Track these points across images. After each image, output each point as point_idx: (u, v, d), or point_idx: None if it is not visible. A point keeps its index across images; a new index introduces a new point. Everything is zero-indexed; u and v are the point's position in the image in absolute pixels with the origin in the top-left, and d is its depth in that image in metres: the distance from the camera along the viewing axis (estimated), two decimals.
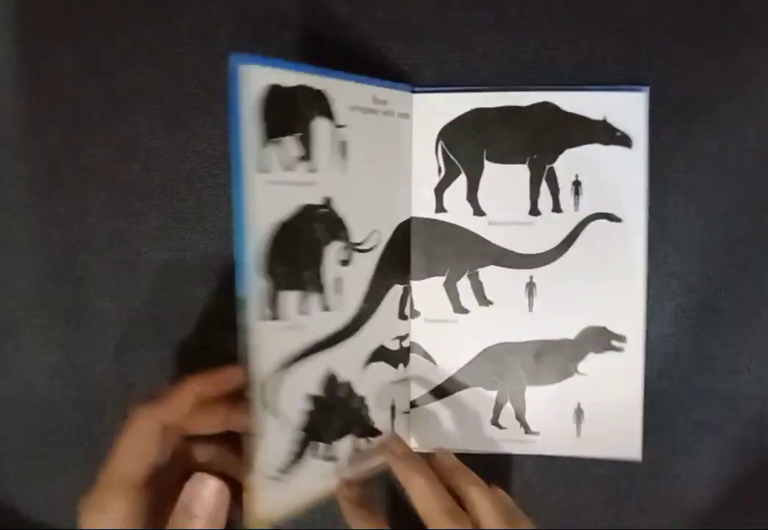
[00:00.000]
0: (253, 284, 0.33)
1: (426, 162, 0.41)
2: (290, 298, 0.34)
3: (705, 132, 0.41)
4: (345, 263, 0.37)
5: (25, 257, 0.42)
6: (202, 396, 0.32)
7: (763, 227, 0.42)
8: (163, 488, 0.32)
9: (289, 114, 0.34)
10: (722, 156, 0.41)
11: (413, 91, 0.41)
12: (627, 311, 0.41)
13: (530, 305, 0.41)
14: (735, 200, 0.41)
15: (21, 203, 0.42)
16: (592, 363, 0.41)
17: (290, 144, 0.34)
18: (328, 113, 0.35)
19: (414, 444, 0.41)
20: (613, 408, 0.41)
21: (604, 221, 0.41)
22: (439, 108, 0.41)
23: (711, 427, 0.42)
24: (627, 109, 0.40)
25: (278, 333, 0.34)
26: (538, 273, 0.41)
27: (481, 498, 0.33)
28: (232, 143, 0.32)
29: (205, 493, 0.32)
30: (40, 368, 0.43)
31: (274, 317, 0.34)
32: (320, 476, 0.36)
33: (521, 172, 0.41)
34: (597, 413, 0.41)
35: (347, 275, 0.37)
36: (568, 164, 0.41)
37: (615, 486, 0.42)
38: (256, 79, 0.32)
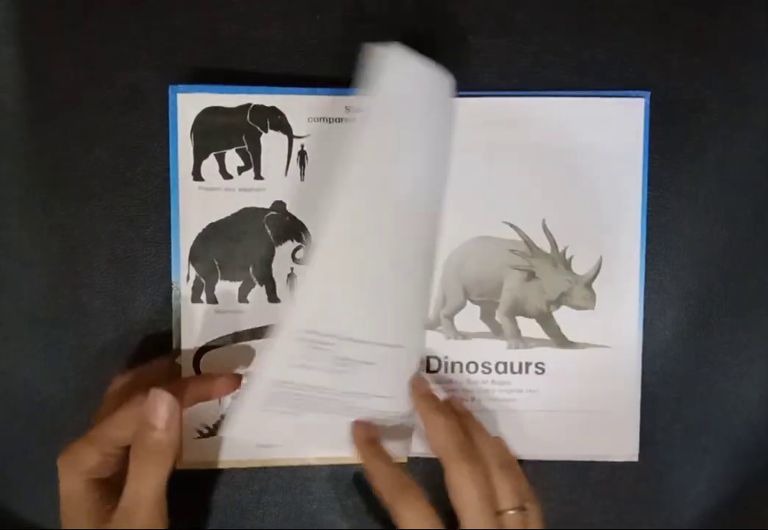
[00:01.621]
0: (182, 272, 0.40)
1: None
2: (231, 287, 0.40)
3: (705, 137, 0.42)
4: (302, 262, 0.41)
5: (25, 259, 0.42)
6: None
7: (763, 232, 0.42)
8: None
9: (229, 130, 0.40)
10: (722, 161, 0.42)
11: None
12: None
13: None
14: (735, 205, 0.42)
15: (21, 206, 0.42)
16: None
17: (232, 156, 0.40)
18: (283, 126, 0.40)
19: (414, 449, 0.41)
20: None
21: None
22: None
23: (710, 428, 0.42)
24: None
25: (211, 315, 0.40)
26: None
27: (485, 443, 0.37)
28: (171, 157, 0.40)
29: (162, 406, 0.35)
30: (40, 370, 0.42)
31: (210, 302, 0.40)
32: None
33: None
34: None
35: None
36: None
37: (614, 489, 0.42)
38: (192, 104, 0.39)
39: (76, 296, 0.42)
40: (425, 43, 0.41)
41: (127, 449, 0.35)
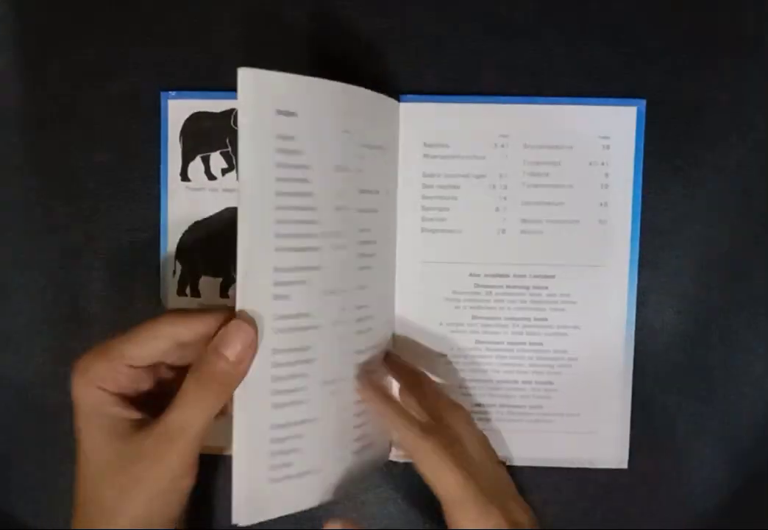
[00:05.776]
0: (169, 266, 0.42)
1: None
2: (213, 282, 0.42)
3: (702, 143, 0.41)
4: None
5: (22, 265, 0.43)
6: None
7: (760, 235, 0.41)
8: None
9: (214, 134, 0.42)
10: (720, 164, 0.41)
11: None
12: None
13: None
14: (732, 208, 0.41)
15: (19, 211, 0.43)
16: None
17: (216, 158, 0.42)
18: None
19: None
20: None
21: None
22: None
23: (708, 430, 0.41)
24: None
25: (195, 307, 0.42)
26: None
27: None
28: (161, 159, 0.42)
29: (239, 338, 0.32)
30: (36, 376, 0.43)
31: (194, 296, 0.42)
32: None
33: None
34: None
35: None
36: None
37: (611, 493, 0.41)
38: (181, 110, 0.42)
39: (74, 298, 0.43)
40: (421, 46, 0.42)
41: (141, 370, 0.34)
